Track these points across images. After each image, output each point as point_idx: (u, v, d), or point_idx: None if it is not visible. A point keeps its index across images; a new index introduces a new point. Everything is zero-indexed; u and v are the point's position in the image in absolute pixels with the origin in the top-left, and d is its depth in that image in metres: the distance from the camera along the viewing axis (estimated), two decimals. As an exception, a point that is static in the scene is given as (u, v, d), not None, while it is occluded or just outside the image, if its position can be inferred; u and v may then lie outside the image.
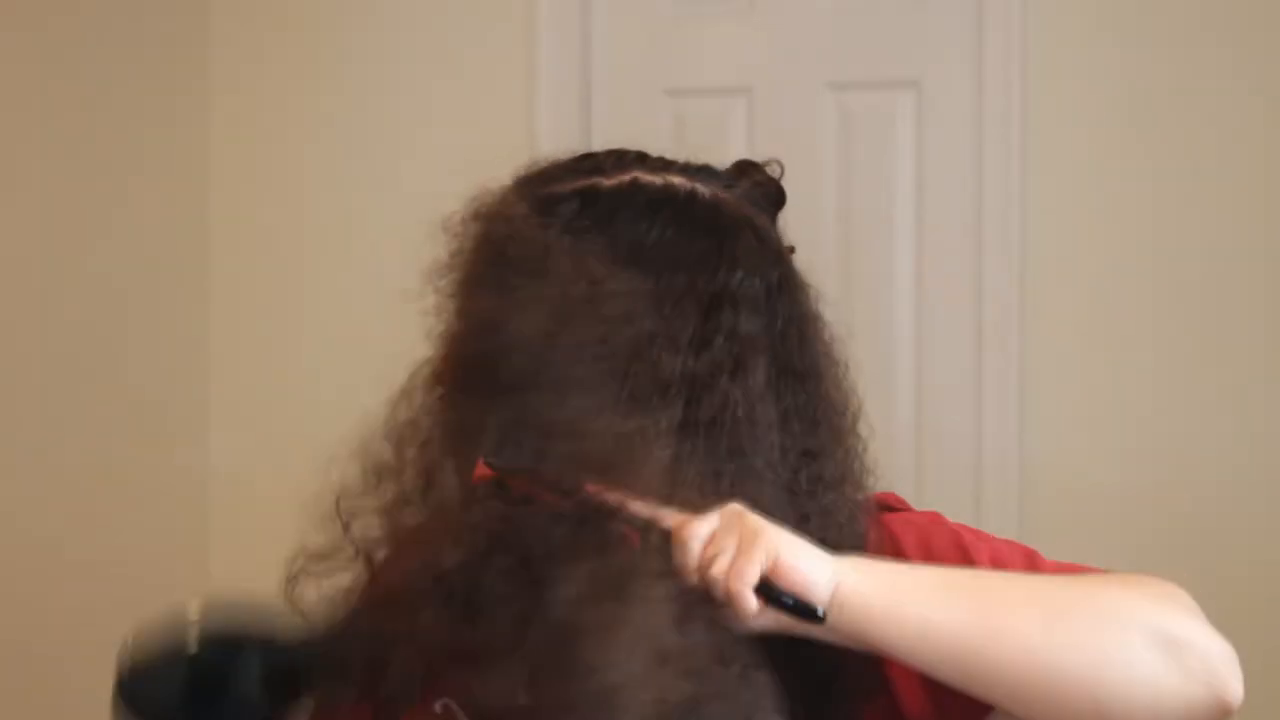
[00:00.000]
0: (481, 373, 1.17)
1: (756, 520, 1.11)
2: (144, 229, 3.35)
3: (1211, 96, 2.82)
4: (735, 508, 1.12)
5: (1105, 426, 2.90)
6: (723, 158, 3.55)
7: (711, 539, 1.10)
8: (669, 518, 1.12)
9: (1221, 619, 2.90)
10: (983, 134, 2.94)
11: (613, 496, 1.11)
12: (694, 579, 1.10)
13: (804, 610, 1.09)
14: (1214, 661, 1.18)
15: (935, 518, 1.30)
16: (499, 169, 1.39)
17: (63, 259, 3.21)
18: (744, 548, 1.09)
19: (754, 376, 1.22)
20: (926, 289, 3.01)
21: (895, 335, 3.01)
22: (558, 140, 2.99)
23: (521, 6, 3.23)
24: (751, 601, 1.09)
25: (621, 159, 1.31)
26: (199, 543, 3.41)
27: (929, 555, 1.23)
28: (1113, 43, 2.89)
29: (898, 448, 2.89)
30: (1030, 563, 1.26)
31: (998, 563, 1.24)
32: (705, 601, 1.10)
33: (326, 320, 3.41)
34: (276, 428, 3.42)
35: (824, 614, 1.09)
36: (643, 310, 1.19)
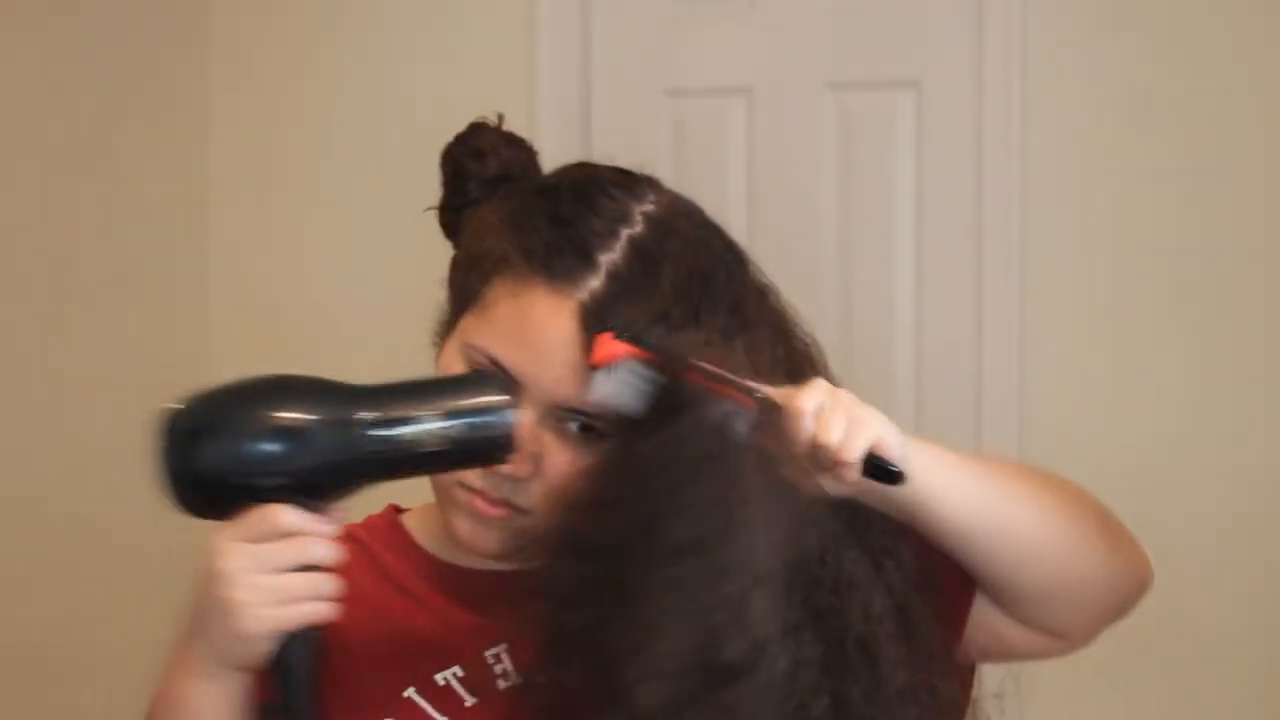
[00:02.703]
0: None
1: (852, 397, 1.24)
2: (144, 229, 3.35)
3: (1211, 96, 2.82)
4: (827, 384, 1.24)
5: (1105, 426, 2.90)
6: (722, 158, 3.55)
7: (820, 411, 1.21)
8: (772, 390, 1.22)
9: (1223, 616, 2.90)
10: (983, 134, 2.94)
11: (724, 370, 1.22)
12: (801, 446, 1.20)
13: (893, 476, 1.22)
14: (1138, 546, 1.41)
15: None
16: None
17: (63, 259, 3.21)
18: (856, 422, 1.21)
19: None
20: (926, 289, 3.01)
21: (895, 335, 3.01)
22: (558, 140, 2.99)
23: (521, 6, 3.23)
24: (858, 469, 1.20)
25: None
26: (199, 542, 3.41)
27: None
28: (1113, 43, 2.89)
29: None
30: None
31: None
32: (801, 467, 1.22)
33: (327, 320, 3.41)
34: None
35: (905, 479, 1.23)
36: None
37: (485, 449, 1.23)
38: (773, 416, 1.21)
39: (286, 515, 1.20)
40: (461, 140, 1.39)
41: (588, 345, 1.25)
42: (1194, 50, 2.84)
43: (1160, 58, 2.86)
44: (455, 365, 1.31)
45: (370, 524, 1.43)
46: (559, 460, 1.28)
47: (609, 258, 1.28)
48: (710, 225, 1.34)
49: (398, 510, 1.45)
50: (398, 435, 1.21)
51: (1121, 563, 1.37)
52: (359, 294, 3.36)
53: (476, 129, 1.39)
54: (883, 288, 3.02)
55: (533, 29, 3.22)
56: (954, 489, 1.28)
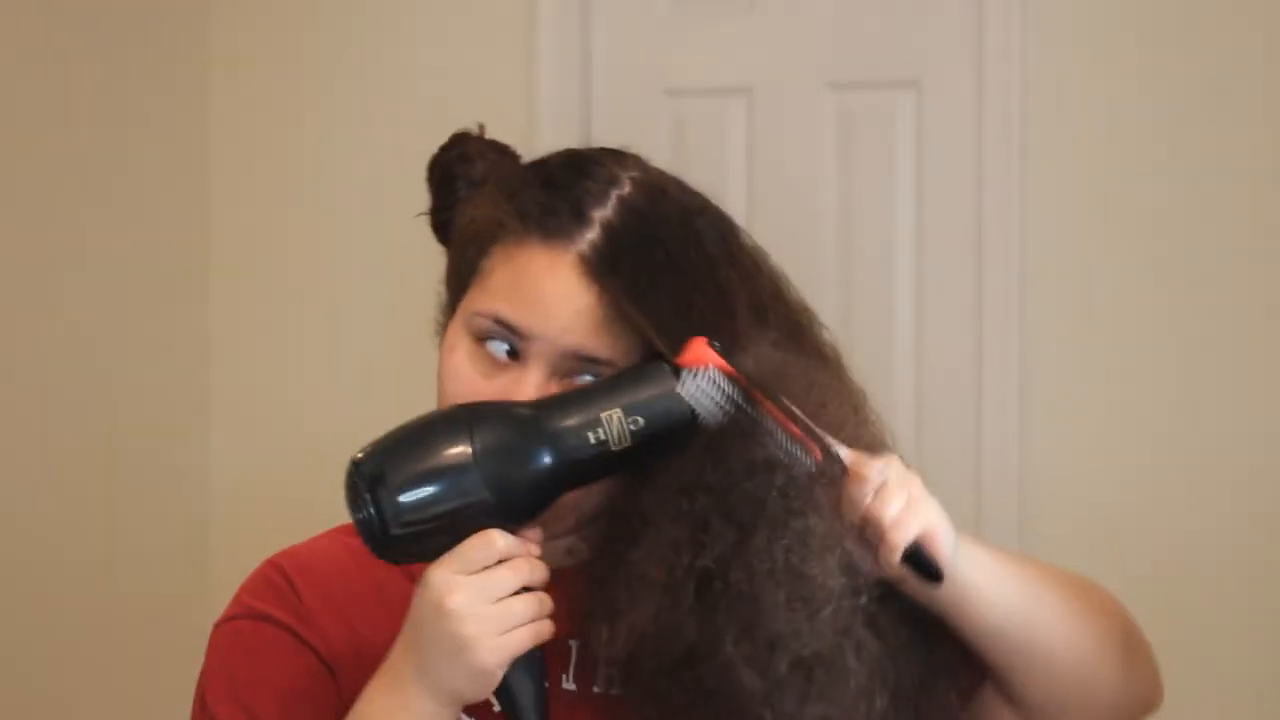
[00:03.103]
0: None
1: (920, 483, 1.25)
2: (144, 229, 3.35)
3: (1212, 96, 2.82)
4: (901, 463, 1.25)
5: (1106, 427, 2.90)
6: (722, 158, 3.55)
7: (884, 486, 1.22)
8: (844, 449, 1.24)
9: (1225, 624, 2.88)
10: (983, 134, 2.94)
11: (807, 414, 1.24)
12: (855, 513, 1.22)
13: (932, 575, 1.22)
14: (1156, 668, 1.41)
15: None
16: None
17: (63, 259, 3.21)
18: (913, 506, 1.22)
19: None
20: (926, 289, 3.01)
21: (895, 336, 3.01)
22: (558, 141, 2.98)
23: (521, 6, 3.23)
24: (900, 551, 1.21)
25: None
26: (199, 543, 3.41)
27: None
28: (1113, 42, 2.89)
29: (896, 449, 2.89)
30: None
31: None
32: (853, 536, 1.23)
33: (326, 320, 3.41)
34: (276, 428, 3.42)
35: (942, 582, 1.23)
36: None
37: (669, 437, 1.23)
38: (835, 472, 1.22)
39: (500, 540, 1.19)
40: (447, 149, 1.41)
41: (593, 292, 1.27)
42: (1194, 49, 2.84)
43: (1160, 57, 2.86)
44: (460, 341, 1.31)
45: None
46: None
47: (603, 214, 1.30)
48: (696, 192, 1.36)
49: None
50: (587, 442, 1.21)
51: (1137, 683, 1.38)
52: (360, 294, 3.36)
53: (461, 138, 1.41)
54: (882, 287, 3.02)
55: (533, 29, 3.22)
56: (990, 592, 1.28)
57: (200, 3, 3.44)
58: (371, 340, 3.32)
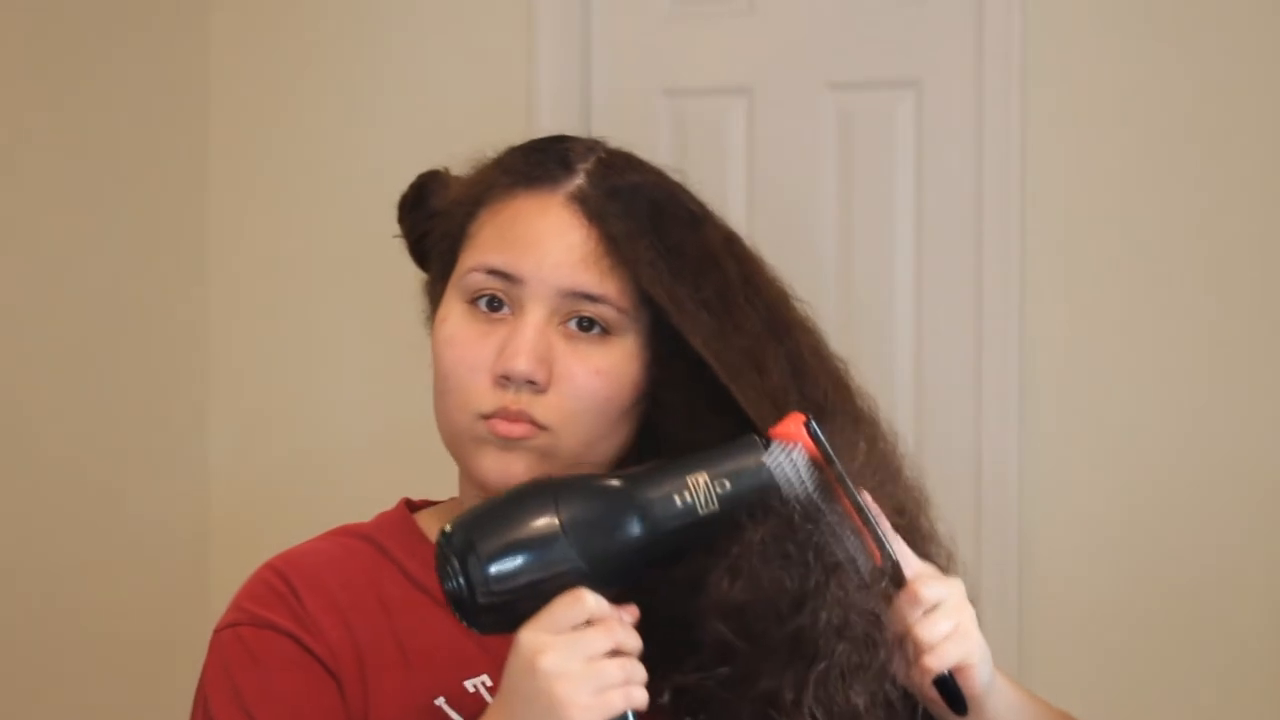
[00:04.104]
0: None
1: (972, 616, 1.27)
2: (144, 229, 3.35)
3: (1212, 96, 2.82)
4: (963, 590, 1.27)
5: (1106, 427, 2.90)
6: (722, 158, 3.54)
7: (935, 608, 1.24)
8: (910, 560, 1.26)
9: (1225, 625, 2.87)
10: (983, 134, 2.94)
11: (881, 515, 1.26)
12: (900, 627, 1.23)
13: (958, 705, 1.25)
14: None
15: None
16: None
17: (63, 259, 3.21)
18: (957, 636, 1.24)
19: None
20: (926, 289, 3.01)
21: (895, 335, 3.01)
22: (558, 140, 2.98)
23: (521, 6, 3.23)
24: (929, 676, 1.23)
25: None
26: (199, 543, 3.41)
27: None
28: (1113, 42, 2.89)
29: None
30: None
31: None
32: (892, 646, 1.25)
33: (326, 320, 3.40)
34: (276, 428, 3.42)
35: (966, 714, 1.26)
36: None
37: (756, 506, 1.24)
38: (891, 581, 1.24)
39: (590, 599, 1.18)
40: (414, 183, 1.44)
41: (584, 226, 1.30)
42: (1194, 49, 2.84)
43: (1159, 57, 2.86)
44: (452, 309, 1.33)
45: (384, 524, 1.41)
46: (571, 366, 1.30)
47: (586, 166, 1.34)
48: (671, 178, 1.39)
49: (410, 506, 1.43)
50: (674, 506, 1.22)
51: None
52: (361, 294, 3.36)
53: (429, 174, 1.43)
54: (882, 287, 3.02)
55: (532, 29, 3.22)
56: None
57: (200, 3, 3.45)
58: (372, 340, 3.32)
